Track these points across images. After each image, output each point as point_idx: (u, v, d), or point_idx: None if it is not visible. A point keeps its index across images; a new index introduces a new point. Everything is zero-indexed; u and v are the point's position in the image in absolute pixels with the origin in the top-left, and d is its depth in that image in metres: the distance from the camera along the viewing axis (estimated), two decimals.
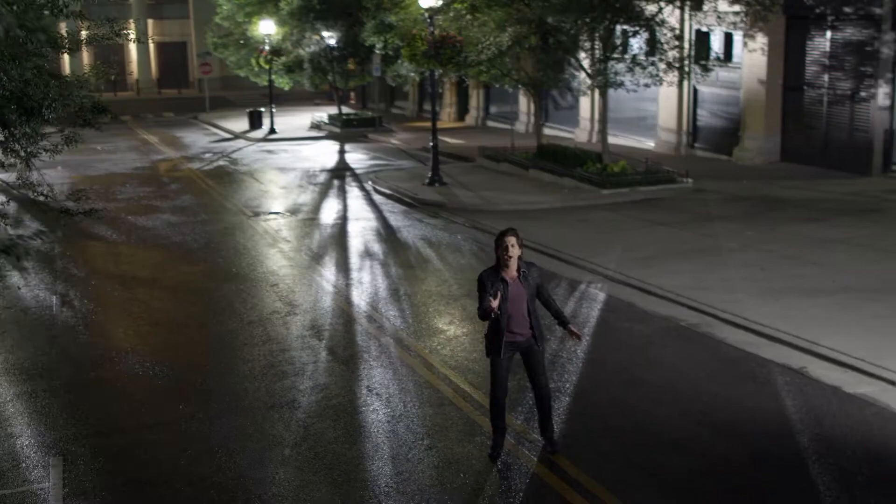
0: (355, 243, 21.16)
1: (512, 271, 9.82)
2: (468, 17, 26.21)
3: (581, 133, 36.75)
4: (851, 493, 9.12)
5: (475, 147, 33.75)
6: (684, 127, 32.39)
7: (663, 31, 25.46)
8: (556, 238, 20.58)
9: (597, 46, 26.24)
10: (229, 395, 12.28)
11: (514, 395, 11.16)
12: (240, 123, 47.83)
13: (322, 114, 48.54)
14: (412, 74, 33.57)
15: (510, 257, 9.72)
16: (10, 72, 9.98)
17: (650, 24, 25.04)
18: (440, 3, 25.91)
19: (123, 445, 10.78)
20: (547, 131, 35.78)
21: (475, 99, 45.56)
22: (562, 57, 28.46)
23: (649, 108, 33.92)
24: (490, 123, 44.14)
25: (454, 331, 14.70)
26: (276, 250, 20.83)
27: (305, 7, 42.00)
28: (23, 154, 11.33)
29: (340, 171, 32.45)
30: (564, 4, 23.10)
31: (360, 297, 16.65)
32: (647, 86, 26.52)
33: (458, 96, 47.20)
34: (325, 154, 37.14)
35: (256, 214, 24.85)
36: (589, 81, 26.79)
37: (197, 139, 44.31)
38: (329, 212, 25.13)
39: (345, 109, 48.21)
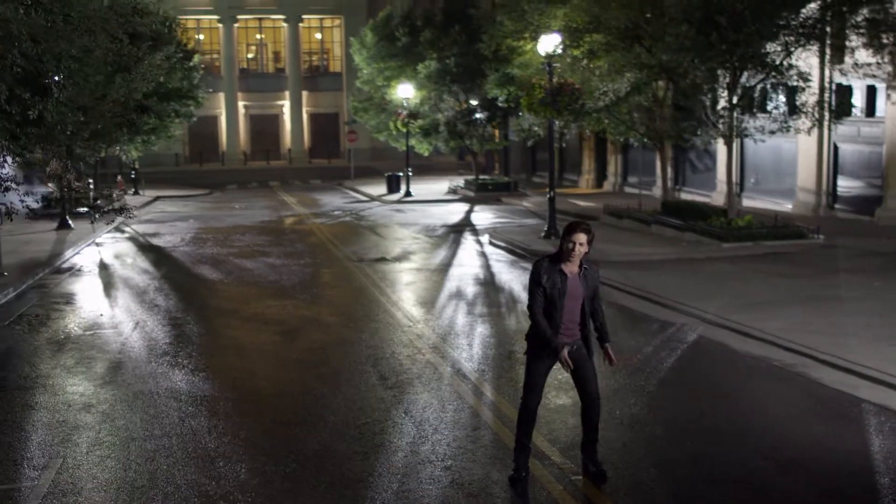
0: (449, 285, 20.32)
1: (573, 266, 8.75)
2: (585, 62, 25.26)
3: (718, 196, 35.07)
4: None
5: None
6: (823, 187, 30.41)
7: (793, 76, 23.85)
8: (661, 285, 19.26)
9: (722, 94, 24.82)
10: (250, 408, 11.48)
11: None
12: (380, 188, 48.10)
13: (461, 180, 48.29)
14: (535, 128, 32.75)
15: (575, 255, 8.66)
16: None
17: (779, 68, 23.43)
18: (559, 50, 25.12)
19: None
20: (684, 196, 34.29)
21: (613, 165, 44.43)
22: (686, 106, 26.99)
23: (788, 170, 32.10)
24: (628, 189, 42.81)
25: (519, 366, 13.51)
26: (364, 288, 20.21)
27: (442, 70, 42.06)
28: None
29: (461, 227, 31.79)
30: (679, 44, 21.87)
31: (432, 330, 15.74)
32: (772, 133, 24.87)
33: (596, 162, 46.17)
34: (451, 213, 36.62)
35: (360, 260, 24.32)
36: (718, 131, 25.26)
37: (332, 200, 44.58)
38: (434, 259, 24.38)
39: (484, 176, 47.80)
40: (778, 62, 23.45)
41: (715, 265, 21.76)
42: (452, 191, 46.42)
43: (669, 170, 36.73)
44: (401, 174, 46.35)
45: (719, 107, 25.14)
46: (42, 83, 9.64)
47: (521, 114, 31.46)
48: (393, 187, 46.70)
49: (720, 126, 24.79)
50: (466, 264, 23.39)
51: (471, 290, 19.85)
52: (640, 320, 16.42)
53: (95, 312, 18.14)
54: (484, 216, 35.09)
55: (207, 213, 39.15)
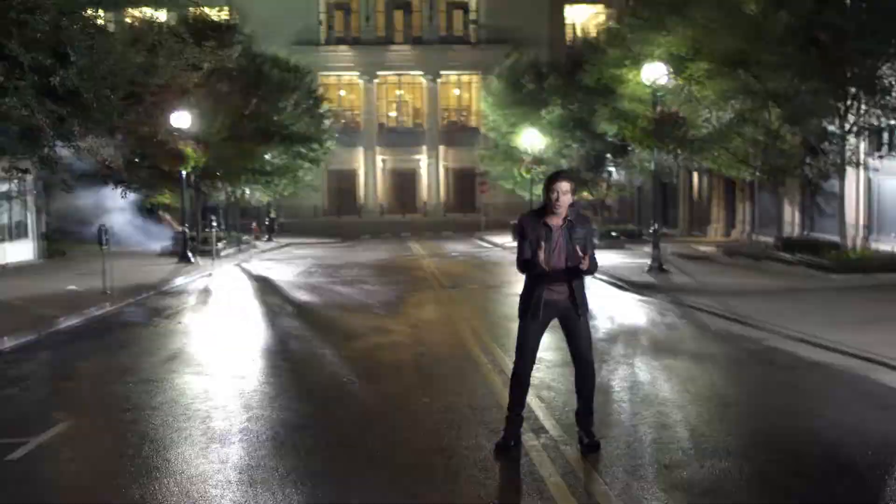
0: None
1: (558, 218, 8.33)
2: (687, 90, 24.63)
3: (846, 242, 33.41)
4: None
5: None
6: None
7: None
8: (755, 310, 18.34)
9: (833, 121, 23.79)
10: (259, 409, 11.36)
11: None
12: (507, 238, 47.85)
13: None
14: (646, 164, 32.05)
15: (559, 204, 8.25)
16: None
17: (889, 90, 22.30)
18: (662, 80, 24.60)
19: None
20: None
21: (741, 213, 43.08)
22: (796, 133, 25.93)
23: None
24: (760, 238, 41.35)
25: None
26: (442, 305, 20.01)
27: (567, 116, 41.83)
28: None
29: None
30: (779, 63, 21.06)
31: (490, 337, 15.35)
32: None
33: (725, 211, 44.89)
34: None
35: (454, 287, 24.11)
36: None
37: (455, 247, 44.61)
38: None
39: (612, 226, 47.07)
40: (889, 83, 22.32)
41: (817, 294, 20.68)
42: None
43: (796, 214, 35.40)
44: None
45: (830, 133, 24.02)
46: (61, 51, 9.86)
47: (630, 148, 30.89)
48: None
49: (830, 156, 23.68)
50: None
51: None
52: (717, 334, 15.70)
53: (176, 320, 18.48)
54: (600, 258, 34.35)
55: (329, 254, 39.66)
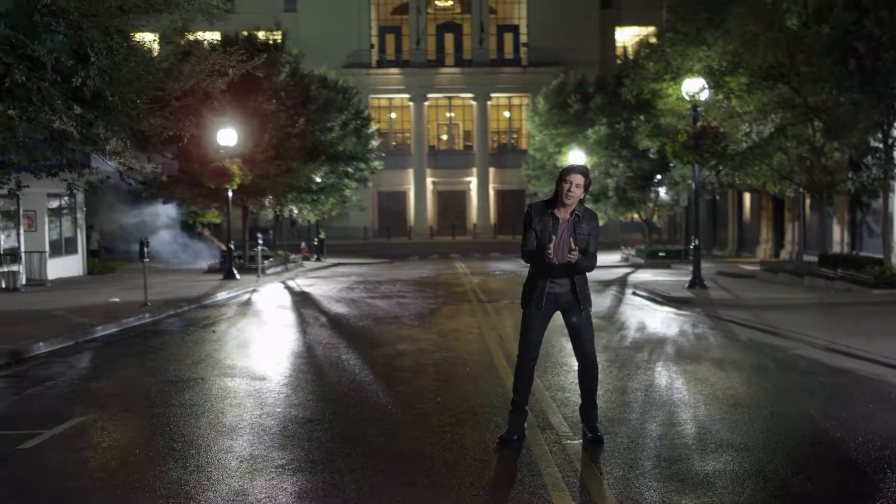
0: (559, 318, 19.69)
1: (566, 212, 8.36)
2: (726, 103, 24.45)
3: (890, 258, 32.90)
4: None
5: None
6: None
7: None
8: (787, 321, 18.18)
9: (875, 135, 23.47)
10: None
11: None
12: None
13: (633, 250, 47.38)
14: (688, 181, 31.84)
15: (571, 195, 8.26)
16: None
17: None
18: (702, 95, 24.45)
19: None
20: None
21: (790, 233, 42.53)
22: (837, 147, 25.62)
23: None
24: (806, 258, 40.80)
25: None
26: (476, 316, 19.99)
27: (612, 135, 41.77)
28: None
29: (612, 283, 31.08)
30: (816, 74, 20.85)
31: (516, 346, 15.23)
32: None
33: (773, 231, 44.39)
34: (610, 274, 35.88)
35: (490, 301, 24.08)
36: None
37: (500, 266, 44.44)
38: None
39: (658, 246, 46.78)
40: None
41: (854, 308, 20.44)
42: (624, 259, 45.65)
43: (845, 233, 34.92)
44: None
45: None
46: (82, 52, 10.09)
47: (672, 165, 30.71)
48: None
49: (874, 170, 23.36)
50: (595, 304, 22.72)
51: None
52: (744, 343, 15.56)
53: (210, 329, 18.68)
54: (641, 276, 34.20)
55: (373, 272, 39.80)
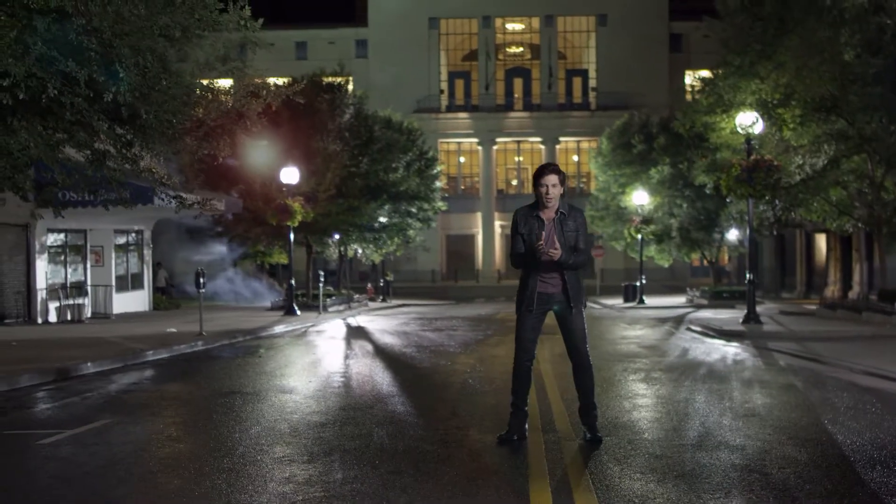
0: (607, 347, 19.69)
1: (550, 212, 8.51)
2: (778, 136, 24.29)
3: None
4: None
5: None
6: None
7: None
8: (831, 350, 17.96)
9: None
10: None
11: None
12: (620, 300, 47.50)
13: (699, 291, 46.96)
14: (745, 216, 31.53)
15: (550, 197, 8.42)
16: None
17: None
18: (760, 126, 24.32)
19: None
20: None
21: (857, 274, 41.75)
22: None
23: None
24: (874, 298, 40.01)
25: (630, 406, 12.98)
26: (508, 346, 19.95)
27: (675, 175, 41.63)
28: None
29: (668, 320, 30.84)
30: (866, 103, 20.64)
31: (552, 371, 15.29)
32: None
33: (841, 272, 43.62)
34: (670, 313, 35.59)
35: (542, 333, 24.01)
36: None
37: None
38: (616, 334, 23.78)
39: (723, 287, 46.31)
40: None
41: None
42: (689, 301, 45.25)
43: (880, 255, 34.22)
44: (637, 284, 45.67)
45: None
46: (112, 68, 10.52)
47: (729, 200, 30.50)
48: (629, 296, 46.13)
49: None
50: (646, 336, 22.69)
51: (626, 348, 19.21)
52: (782, 368, 15.41)
53: (256, 355, 19.00)
54: (700, 314, 33.88)
55: (434, 311, 39.99)
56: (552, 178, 8.39)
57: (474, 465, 7.73)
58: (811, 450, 8.21)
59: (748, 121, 24.31)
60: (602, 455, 8.06)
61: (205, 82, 13.43)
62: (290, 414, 10.68)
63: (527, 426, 8.88)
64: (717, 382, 13.14)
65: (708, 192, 36.25)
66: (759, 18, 25.50)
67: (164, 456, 8.44)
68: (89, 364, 16.47)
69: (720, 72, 26.95)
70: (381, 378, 14.24)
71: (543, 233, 8.41)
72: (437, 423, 9.83)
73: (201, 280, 23.55)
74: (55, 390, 13.65)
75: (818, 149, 23.72)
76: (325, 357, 18.26)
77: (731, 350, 18.94)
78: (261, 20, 14.28)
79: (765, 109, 24.77)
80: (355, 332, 25.73)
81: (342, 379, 14.29)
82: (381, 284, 51.47)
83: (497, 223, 73.81)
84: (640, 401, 11.34)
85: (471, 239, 74.09)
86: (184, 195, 17.06)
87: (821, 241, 46.34)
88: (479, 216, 73.41)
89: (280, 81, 40.54)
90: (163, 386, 14.29)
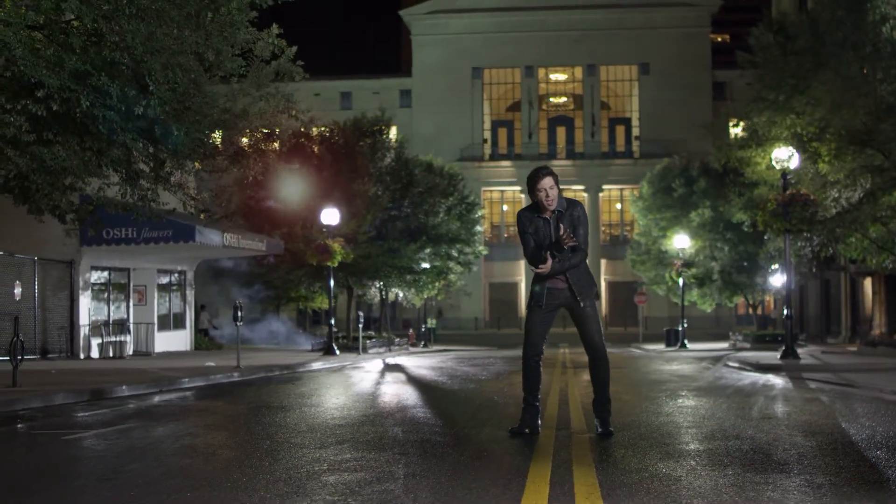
0: (637, 377, 19.62)
1: (550, 212, 8.66)
2: (814, 168, 24.26)
3: None
4: None
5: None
6: None
7: None
8: (864, 378, 17.77)
9: None
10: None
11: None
12: (662, 345, 47.21)
13: (741, 336, 46.58)
14: (783, 253, 31.35)
15: (551, 199, 8.57)
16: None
17: None
18: (796, 161, 24.33)
19: None
20: None
21: None
22: None
23: None
24: None
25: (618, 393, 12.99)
26: (550, 377, 19.94)
27: (716, 218, 41.56)
28: None
29: (707, 358, 30.61)
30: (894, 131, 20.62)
31: (578, 394, 15.32)
32: None
33: (887, 316, 43.07)
34: (711, 354, 35.30)
35: (576, 367, 24.04)
36: None
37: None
38: (651, 368, 23.71)
39: (766, 331, 45.91)
40: None
41: None
42: (732, 345, 44.87)
43: None
44: (679, 329, 45.42)
45: None
46: (142, 83, 10.89)
47: (767, 237, 30.38)
48: (671, 341, 45.87)
49: None
50: (679, 370, 22.58)
51: (655, 377, 19.15)
52: (811, 390, 15.30)
53: (290, 384, 19.16)
54: (739, 355, 33.55)
55: (473, 354, 40.00)
56: (547, 181, 8.54)
57: (480, 450, 7.80)
58: (820, 439, 8.20)
59: (784, 155, 24.31)
60: (610, 442, 8.11)
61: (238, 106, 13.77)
62: (313, 419, 10.82)
63: (540, 421, 8.94)
64: (743, 397, 13.12)
65: (745, 229, 36.17)
66: (792, 53, 25.60)
67: (180, 446, 8.61)
68: (124, 387, 16.70)
69: (755, 105, 27.02)
70: (408, 396, 14.36)
71: (551, 232, 8.54)
72: (454, 424, 9.93)
73: (239, 313, 23.82)
74: (88, 405, 13.90)
75: (854, 182, 23.65)
76: (357, 385, 18.38)
77: (763, 378, 18.82)
78: (294, 48, 14.67)
79: (799, 143, 24.78)
80: (392, 368, 25.83)
81: (369, 398, 14.41)
82: (423, 330, 51.57)
83: None
84: (661, 409, 11.37)
85: (514, 287, 74.17)
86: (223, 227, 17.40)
87: (866, 284, 45.84)
88: (522, 264, 73.45)
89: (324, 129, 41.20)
90: (192, 403, 14.49)
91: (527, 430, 8.78)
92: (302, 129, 14.10)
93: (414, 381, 18.88)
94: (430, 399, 13.51)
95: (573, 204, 8.71)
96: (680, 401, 12.68)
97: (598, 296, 8.93)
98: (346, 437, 8.84)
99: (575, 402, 12.25)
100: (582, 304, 8.66)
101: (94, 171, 12.82)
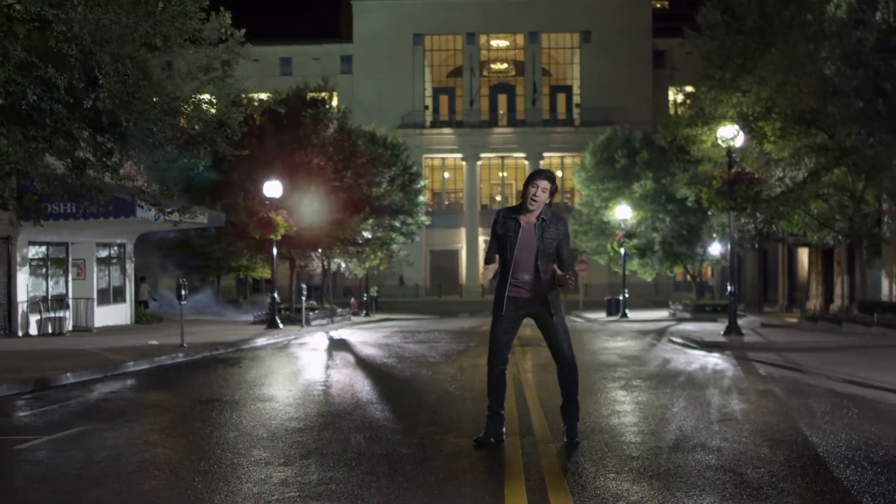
0: (588, 358, 19.70)
1: (532, 216, 8.49)
2: (761, 148, 24.44)
3: None
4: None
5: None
6: None
7: None
8: (811, 360, 18.05)
9: None
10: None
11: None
12: (602, 314, 47.57)
13: (681, 305, 47.09)
14: (726, 229, 31.70)
15: (537, 200, 8.41)
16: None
17: None
18: (741, 139, 24.44)
19: None
20: None
21: (839, 287, 42.00)
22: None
23: None
24: (855, 312, 40.22)
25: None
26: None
27: (658, 190, 41.81)
28: None
29: (649, 332, 30.90)
30: (845, 114, 20.80)
31: (533, 379, 15.31)
32: None
33: (823, 286, 43.86)
34: (651, 326, 35.69)
35: (524, 345, 24.09)
36: None
37: None
38: (598, 345, 23.83)
39: (705, 301, 46.46)
40: None
41: (884, 350, 20.27)
42: (672, 314, 45.40)
43: (894, 285, 34.43)
44: (620, 298, 45.78)
45: None
46: (92, 75, 10.53)
47: (710, 213, 30.63)
48: (612, 310, 46.26)
49: None
50: (625, 348, 22.74)
51: (604, 358, 19.24)
52: (760, 376, 15.49)
53: (237, 367, 18.94)
54: (683, 327, 33.96)
55: (417, 325, 39.95)
56: (545, 183, 8.42)
57: (450, 470, 7.69)
58: (787, 452, 8.25)
59: (730, 134, 24.43)
60: (579, 457, 8.07)
61: (186, 84, 13.42)
62: (269, 420, 10.67)
63: (504, 429, 8.88)
64: (696, 389, 13.21)
65: (690, 205, 36.45)
66: (740, 32, 25.70)
67: (141, 461, 8.40)
68: (69, 374, 16.37)
69: (701, 85, 27.13)
70: (362, 388, 14.23)
71: (517, 240, 8.43)
72: (415, 429, 9.83)
73: (183, 292, 23.47)
74: (34, 399, 13.59)
75: (798, 161, 23.89)
76: (305, 368, 18.23)
77: (710, 360, 19.02)
78: (243, 30, 14.33)
79: (745, 122, 24.94)
80: (337, 345, 25.70)
81: (322, 389, 14.25)
82: (365, 299, 51.42)
83: (481, 238, 73.92)
84: (619, 407, 11.40)
85: (455, 254, 74.20)
86: (163, 205, 17.05)
87: (803, 254, 46.59)
88: (463, 231, 73.54)
89: (264, 96, 40.84)
90: (140, 394, 14.24)
91: (492, 440, 8.72)
92: (249, 111, 13.79)
93: (363, 364, 18.75)
94: (385, 392, 13.41)
95: (558, 218, 8.58)
96: (635, 394, 12.73)
97: (561, 306, 8.84)
98: (309, 448, 8.71)
99: (531, 394, 12.23)
100: (554, 317, 8.56)
101: (39, 161, 12.43)
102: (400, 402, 12.18)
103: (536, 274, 8.47)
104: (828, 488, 6.76)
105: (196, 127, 13.11)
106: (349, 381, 15.29)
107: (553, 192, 8.51)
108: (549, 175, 8.57)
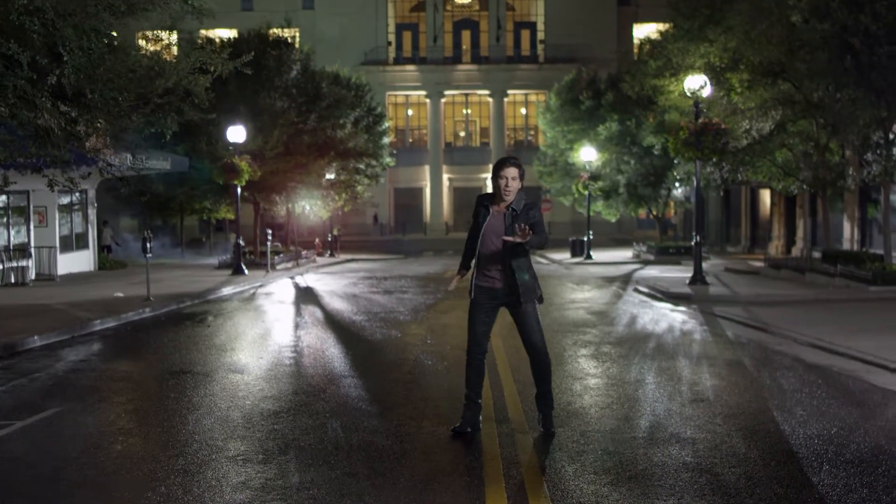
0: (556, 314, 19.82)
1: (504, 205, 8.46)
2: (726, 100, 24.44)
3: (890, 254, 32.73)
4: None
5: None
6: None
7: None
8: (777, 317, 18.23)
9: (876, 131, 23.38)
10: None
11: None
12: (567, 255, 47.75)
13: (645, 246, 47.37)
14: (693, 177, 31.83)
15: (509, 190, 8.37)
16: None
17: None
18: (707, 90, 24.41)
19: None
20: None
21: (801, 230, 42.42)
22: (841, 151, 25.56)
23: None
24: (816, 255, 40.65)
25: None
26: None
27: (623, 132, 41.77)
28: None
29: (616, 279, 31.11)
30: (812, 69, 20.81)
31: (504, 341, 15.34)
32: None
33: (785, 228, 44.28)
34: (618, 270, 35.94)
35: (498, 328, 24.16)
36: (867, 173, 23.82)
37: None
38: (565, 297, 23.97)
39: (669, 242, 46.74)
40: None
41: (848, 304, 20.47)
42: (636, 255, 45.69)
43: (855, 230, 34.82)
44: (585, 239, 45.95)
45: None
46: (56, 51, 10.28)
47: (676, 161, 30.70)
48: (576, 251, 46.48)
49: (874, 166, 23.32)
50: (594, 300, 22.89)
51: (572, 314, 19.36)
52: (730, 341, 15.61)
53: (206, 324, 18.89)
54: (647, 273, 34.22)
55: (382, 268, 39.98)
56: (512, 171, 8.37)
57: (430, 471, 7.69)
58: (761, 446, 8.35)
59: (697, 84, 24.41)
60: (556, 452, 8.12)
61: (151, 48, 13.15)
62: (243, 400, 10.63)
63: (480, 417, 8.93)
64: (666, 359, 13.32)
65: (656, 153, 36.48)
66: None
67: (118, 453, 8.36)
68: (36, 338, 16.28)
69: (669, 31, 26.99)
70: (334, 356, 14.26)
71: (484, 225, 8.44)
72: (391, 413, 9.83)
73: (148, 245, 23.28)
74: (2, 370, 13.45)
75: (765, 113, 23.93)
76: (274, 329, 18.15)
77: (677, 317, 19.19)
78: None
79: (713, 73, 24.90)
80: (304, 296, 25.73)
81: (293, 357, 14.24)
82: (329, 239, 51.28)
83: (445, 176, 73.77)
84: (591, 381, 11.51)
85: (419, 192, 74.02)
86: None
87: (765, 196, 46.92)
88: (427, 169, 73.28)
89: (225, 33, 40.11)
90: (111, 365, 14.09)
91: (469, 430, 8.76)
92: (215, 74, 13.45)
93: (332, 323, 18.76)
94: (356, 362, 13.46)
95: (530, 205, 8.52)
96: (606, 365, 12.84)
97: (541, 299, 8.83)
98: (287, 439, 8.71)
99: (506, 374, 12.28)
100: (524, 305, 8.54)
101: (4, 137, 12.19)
102: (373, 376, 12.20)
103: (503, 261, 8.45)
104: (802, 497, 6.86)
105: (159, 93, 12.84)
106: (320, 345, 15.30)
107: (522, 176, 8.47)
108: (514, 161, 8.52)
